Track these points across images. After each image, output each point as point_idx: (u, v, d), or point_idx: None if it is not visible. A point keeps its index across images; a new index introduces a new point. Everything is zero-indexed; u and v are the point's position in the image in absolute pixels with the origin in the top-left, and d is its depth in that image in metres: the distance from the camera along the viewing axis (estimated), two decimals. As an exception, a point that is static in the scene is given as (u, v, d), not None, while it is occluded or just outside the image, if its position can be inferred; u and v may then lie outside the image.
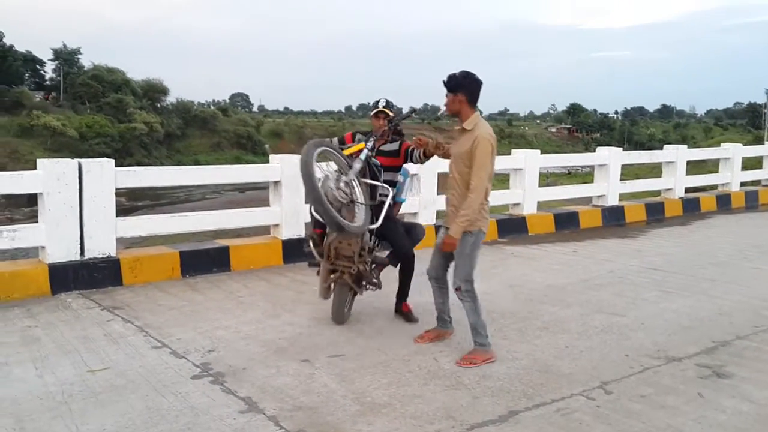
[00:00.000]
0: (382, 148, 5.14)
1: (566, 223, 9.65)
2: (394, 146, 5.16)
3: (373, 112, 5.22)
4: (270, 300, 5.73)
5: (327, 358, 4.36)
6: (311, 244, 5.16)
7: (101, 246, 6.08)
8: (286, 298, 5.81)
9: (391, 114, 5.13)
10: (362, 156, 4.87)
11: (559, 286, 6.33)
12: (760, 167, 13.76)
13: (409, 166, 5.45)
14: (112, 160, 6.30)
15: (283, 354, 4.44)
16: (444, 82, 4.32)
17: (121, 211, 7.13)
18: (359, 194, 4.84)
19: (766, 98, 42.52)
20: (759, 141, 22.26)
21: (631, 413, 3.63)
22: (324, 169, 4.74)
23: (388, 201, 4.95)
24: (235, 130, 64.91)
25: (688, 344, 4.73)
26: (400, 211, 5.85)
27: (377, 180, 5.02)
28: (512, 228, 9.02)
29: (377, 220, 4.88)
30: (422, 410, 3.61)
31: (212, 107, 73.53)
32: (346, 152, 4.99)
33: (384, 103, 5.18)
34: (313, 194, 4.47)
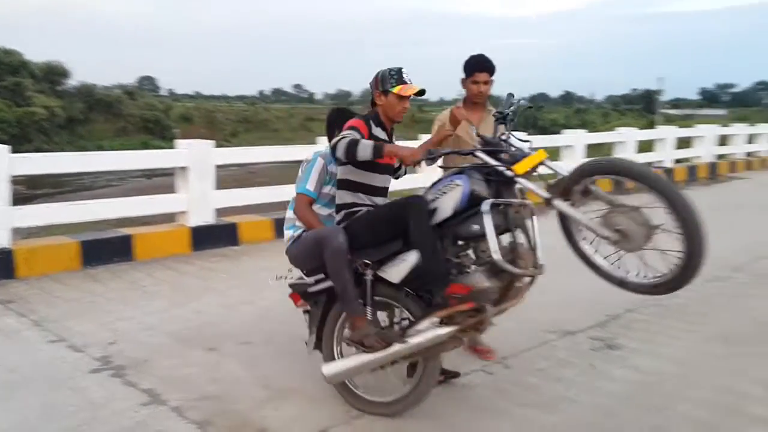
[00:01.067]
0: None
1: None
2: None
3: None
4: (176, 289, 5.62)
5: (235, 346, 4.34)
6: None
7: (-7, 237, 5.76)
8: (193, 286, 5.72)
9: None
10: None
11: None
12: (652, 150, 14.55)
13: None
14: (7, 147, 5.96)
15: (188, 344, 4.38)
16: (487, 64, 4.12)
17: (20, 199, 6.77)
18: None
19: (659, 85, 45.04)
20: (653, 126, 23.55)
21: (528, 386, 3.81)
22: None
23: None
24: (142, 115, 62.40)
25: (582, 318, 5.00)
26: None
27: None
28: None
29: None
30: (327, 393, 3.64)
31: (118, 90, 70.47)
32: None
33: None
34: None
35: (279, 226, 7.58)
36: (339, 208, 3.50)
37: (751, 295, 5.70)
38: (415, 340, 3.15)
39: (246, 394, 3.64)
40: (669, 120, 40.28)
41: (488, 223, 3.07)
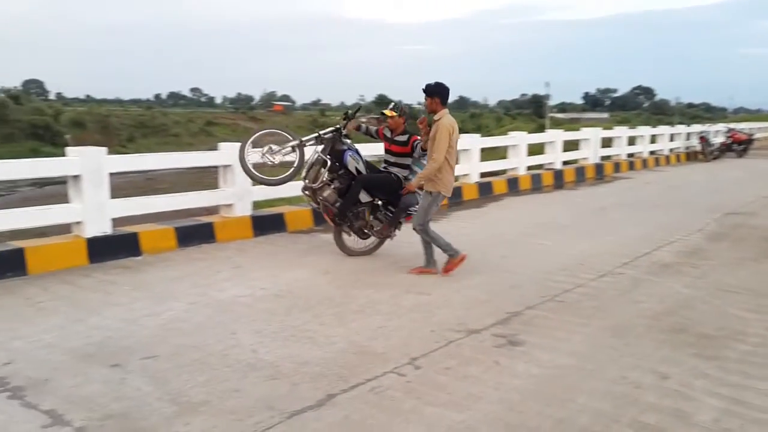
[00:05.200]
0: (395, 138, 6.99)
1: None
2: (404, 138, 6.96)
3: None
4: (74, 304, 5.38)
5: (139, 361, 4.22)
6: (304, 193, 6.98)
7: None
8: (92, 300, 5.49)
9: (391, 114, 6.97)
10: (305, 137, 6.74)
11: (368, 270, 6.63)
12: (543, 152, 15.26)
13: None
14: None
15: (90, 360, 4.21)
16: (425, 89, 6.27)
17: None
18: (296, 161, 6.61)
19: (546, 90, 47.19)
20: (542, 129, 24.62)
21: (437, 385, 3.94)
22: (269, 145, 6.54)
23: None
24: (30, 120, 58.59)
25: (486, 316, 5.22)
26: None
27: (338, 159, 6.80)
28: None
29: (318, 182, 6.74)
30: (241, 404, 3.64)
31: (2, 94, 65.90)
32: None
33: (392, 106, 7.08)
34: (238, 156, 6.48)
35: (182, 234, 7.44)
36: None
37: (639, 289, 6.11)
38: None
39: (153, 411, 3.55)
40: (557, 123, 42.17)
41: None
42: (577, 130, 18.24)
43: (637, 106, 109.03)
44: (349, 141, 7.03)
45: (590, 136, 16.67)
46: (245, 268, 6.56)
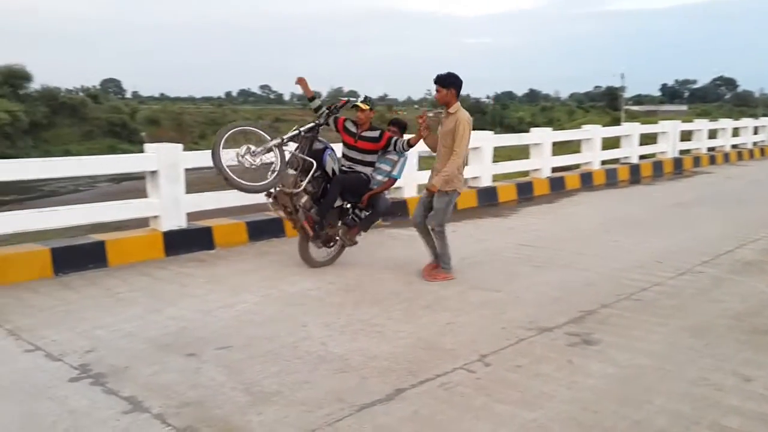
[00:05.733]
0: (363, 134, 6.37)
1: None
2: (375, 134, 6.36)
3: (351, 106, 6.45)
4: (152, 295, 5.57)
5: (214, 351, 4.32)
6: (269, 200, 6.14)
7: (-40, 247, 5.65)
8: (168, 291, 5.67)
9: (365, 107, 6.36)
10: (285, 136, 5.95)
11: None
12: (619, 146, 14.83)
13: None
14: (-31, 154, 5.83)
15: (167, 350, 4.35)
16: (438, 80, 5.85)
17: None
18: (277, 163, 5.77)
19: (622, 82, 45.74)
20: (617, 122, 23.91)
21: (508, 383, 3.87)
22: (246, 145, 5.66)
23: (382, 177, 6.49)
24: (108, 118, 61.33)
25: (558, 314, 5.09)
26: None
27: (317, 158, 6.07)
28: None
29: (300, 186, 5.98)
30: (312, 395, 3.67)
31: (82, 94, 69.14)
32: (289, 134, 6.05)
33: (362, 99, 6.43)
34: (213, 160, 5.49)
35: (253, 229, 7.59)
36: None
37: (720, 288, 5.85)
38: None
39: (228, 399, 3.63)
40: (632, 116, 40.93)
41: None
42: (655, 123, 17.61)
43: (718, 98, 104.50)
44: (324, 139, 6.36)
45: (669, 129, 16.05)
46: (315, 262, 6.62)
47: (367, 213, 6.44)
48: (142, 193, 7.28)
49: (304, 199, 6.02)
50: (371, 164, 6.42)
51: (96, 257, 6.42)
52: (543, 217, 9.53)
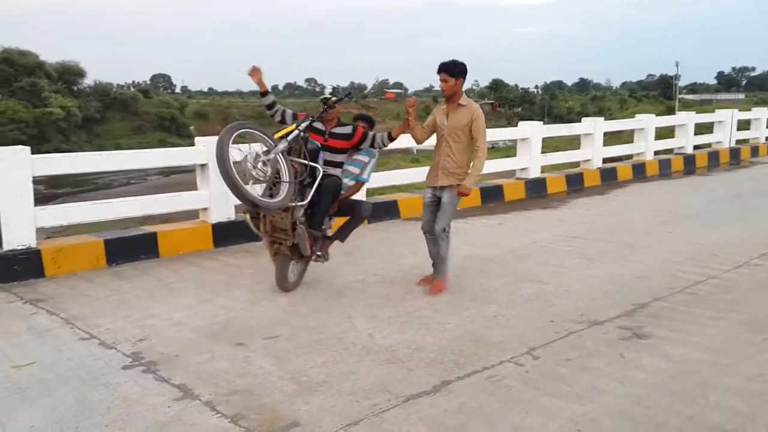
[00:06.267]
0: (334, 130, 5.44)
1: (491, 197, 9.88)
2: (347, 130, 5.45)
3: (321, 98, 5.45)
4: (201, 285, 5.66)
5: (262, 341, 4.37)
6: (248, 217, 5.34)
7: (20, 237, 5.84)
8: (217, 282, 5.76)
9: (333, 98, 5.37)
10: (289, 137, 5.05)
11: (486, 258, 6.51)
12: (673, 136, 14.41)
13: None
14: (28, 148, 6.02)
15: (216, 339, 4.41)
16: (447, 68, 5.22)
17: (41, 199, 6.85)
18: (284, 172, 4.99)
19: (676, 70, 44.23)
20: (671, 111, 23.27)
21: (557, 377, 3.80)
22: (245, 150, 4.85)
23: (349, 180, 5.67)
24: (158, 113, 62.82)
25: (609, 308, 4.97)
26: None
27: (312, 160, 5.27)
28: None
29: (307, 197, 5.17)
30: (358, 386, 3.67)
31: (132, 89, 70.92)
32: (279, 134, 5.10)
33: (330, 90, 5.55)
34: (223, 173, 4.68)
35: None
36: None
37: (779, 282, 5.62)
38: None
39: (276, 388, 3.66)
40: (687, 105, 39.83)
41: None
42: (711, 112, 17.05)
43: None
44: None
45: (725, 118, 15.51)
46: (357, 255, 6.62)
47: (347, 220, 5.69)
48: (191, 186, 7.41)
49: (301, 212, 5.13)
50: (341, 165, 5.54)
51: (148, 248, 6.56)
52: (594, 209, 9.33)
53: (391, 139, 5.48)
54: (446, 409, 3.41)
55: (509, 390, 3.63)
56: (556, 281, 5.69)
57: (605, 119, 13.39)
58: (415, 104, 5.39)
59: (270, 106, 5.45)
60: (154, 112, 62.83)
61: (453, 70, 5.22)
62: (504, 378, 3.78)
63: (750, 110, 18.11)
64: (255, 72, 5.42)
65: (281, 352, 4.18)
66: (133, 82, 77.82)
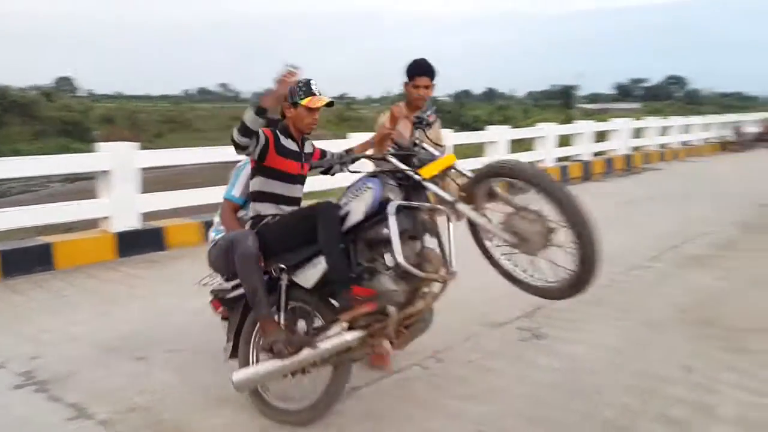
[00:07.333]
0: (307, 151, 3.58)
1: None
2: (310, 148, 3.64)
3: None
4: (101, 297, 5.44)
5: (164, 354, 4.25)
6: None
7: None
8: (118, 294, 5.55)
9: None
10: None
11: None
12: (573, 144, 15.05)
13: None
14: None
15: (116, 353, 4.26)
16: (432, 72, 4.06)
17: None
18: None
19: (577, 80, 46.25)
20: (571, 120, 24.36)
21: (460, 378, 3.91)
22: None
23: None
24: (61, 117, 59.80)
25: (510, 310, 5.14)
26: None
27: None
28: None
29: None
30: (264, 397, 3.63)
31: (34, 92, 67.27)
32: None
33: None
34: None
35: (208, 229, 7.46)
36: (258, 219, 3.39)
37: (669, 283, 5.98)
38: (324, 345, 3.07)
39: (177, 404, 3.57)
40: (587, 114, 41.65)
41: (393, 226, 3.01)
42: (605, 120, 17.96)
43: (669, 96, 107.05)
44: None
45: (620, 126, 16.41)
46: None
47: None
48: (95, 194, 7.11)
49: None
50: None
51: (43, 260, 6.25)
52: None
53: (354, 160, 3.44)
54: (353, 414, 3.43)
55: (416, 393, 3.71)
56: (463, 285, 5.81)
57: (511, 127, 13.84)
58: (398, 112, 3.61)
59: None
60: (57, 117, 59.75)
61: (433, 71, 4.10)
62: (411, 381, 3.86)
63: (641, 119, 19.20)
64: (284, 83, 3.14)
65: (184, 365, 4.08)
66: (35, 84, 73.79)
